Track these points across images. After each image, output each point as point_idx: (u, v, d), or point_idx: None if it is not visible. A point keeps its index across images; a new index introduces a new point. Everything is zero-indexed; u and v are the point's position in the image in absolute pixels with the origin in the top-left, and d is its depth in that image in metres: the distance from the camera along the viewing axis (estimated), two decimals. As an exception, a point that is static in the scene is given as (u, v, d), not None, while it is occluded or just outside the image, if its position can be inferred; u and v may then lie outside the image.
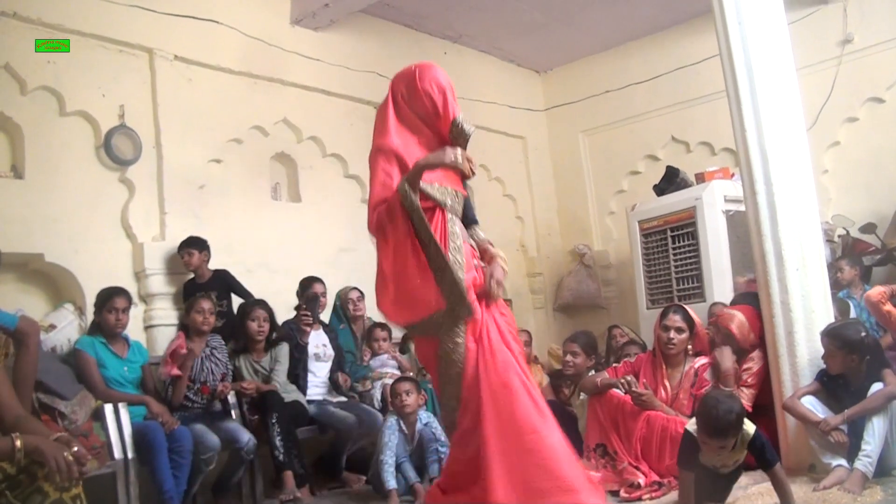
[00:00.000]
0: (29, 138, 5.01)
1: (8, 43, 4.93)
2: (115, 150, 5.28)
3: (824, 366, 4.17)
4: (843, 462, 3.87)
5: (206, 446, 4.45)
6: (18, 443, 2.43)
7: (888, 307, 4.69)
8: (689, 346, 4.57)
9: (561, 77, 9.15)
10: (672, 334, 4.52)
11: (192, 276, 5.44)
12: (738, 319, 4.64)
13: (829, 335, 4.10)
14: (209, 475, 4.68)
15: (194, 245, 5.34)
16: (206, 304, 4.91)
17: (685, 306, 4.71)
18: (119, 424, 4.29)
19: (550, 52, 8.68)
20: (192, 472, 4.39)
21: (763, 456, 3.41)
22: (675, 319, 4.55)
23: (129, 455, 4.23)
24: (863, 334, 4.04)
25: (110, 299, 4.62)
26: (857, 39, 6.99)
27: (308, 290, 5.62)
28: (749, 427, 3.44)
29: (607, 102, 8.63)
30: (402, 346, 6.35)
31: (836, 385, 4.08)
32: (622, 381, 4.36)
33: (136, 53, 5.51)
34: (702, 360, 4.54)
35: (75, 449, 2.52)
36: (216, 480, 4.79)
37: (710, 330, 4.92)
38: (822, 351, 4.19)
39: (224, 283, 5.46)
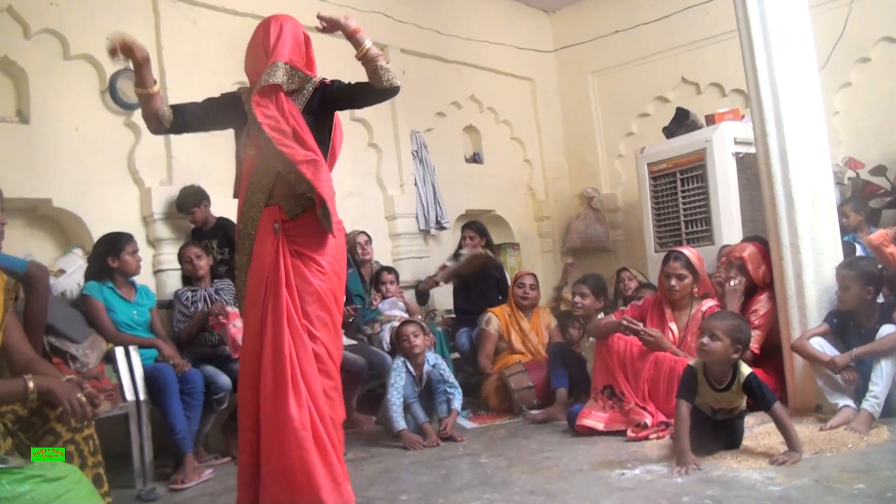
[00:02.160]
0: (34, 82, 4.98)
1: (10, -16, 4.87)
2: (121, 93, 5.24)
3: (833, 308, 4.19)
4: (850, 402, 3.90)
5: (217, 387, 4.50)
6: (31, 384, 2.46)
7: (891, 249, 4.67)
8: (695, 290, 4.58)
9: (570, 17, 9.01)
10: (673, 282, 4.53)
11: None
12: (751, 250, 4.69)
13: (847, 266, 4.14)
14: (220, 415, 4.74)
15: (192, 203, 5.28)
16: (191, 251, 4.96)
17: (686, 252, 4.68)
18: (130, 367, 4.33)
19: (559, -9, 8.54)
20: (203, 412, 4.45)
21: (762, 396, 3.50)
22: (676, 266, 4.55)
23: (142, 397, 4.28)
24: (879, 266, 4.10)
25: (128, 243, 4.64)
26: (870, -24, 6.86)
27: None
28: (745, 369, 3.52)
29: (617, 43, 8.52)
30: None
31: (846, 327, 4.11)
32: (623, 322, 4.36)
33: (139, -4, 5.46)
34: (709, 303, 4.54)
35: (88, 390, 2.55)
36: (227, 420, 4.85)
37: (720, 269, 4.92)
38: (831, 292, 4.21)
39: (225, 232, 5.39)
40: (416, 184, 7.22)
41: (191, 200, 5.28)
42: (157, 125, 3.33)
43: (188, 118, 3.40)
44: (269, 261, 3.21)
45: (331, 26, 3.33)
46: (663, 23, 8.10)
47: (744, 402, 3.63)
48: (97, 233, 4.92)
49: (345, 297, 5.45)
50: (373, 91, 3.32)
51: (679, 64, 8.18)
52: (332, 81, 3.42)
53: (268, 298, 3.17)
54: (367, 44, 3.26)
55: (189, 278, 5.05)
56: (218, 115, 3.47)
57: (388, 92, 3.32)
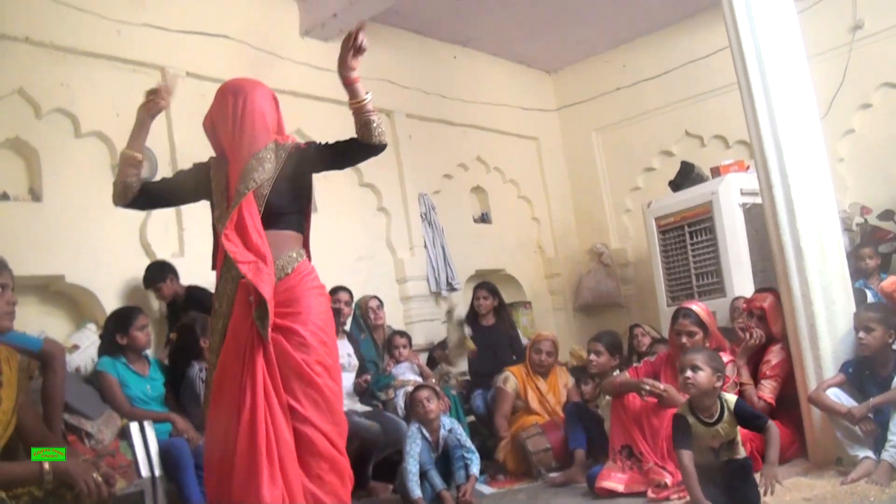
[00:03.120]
0: (45, 161, 5.05)
1: (21, 67, 4.97)
2: (132, 168, 5.31)
3: (849, 357, 4.16)
4: (870, 454, 3.85)
5: (232, 460, 4.45)
6: (46, 465, 2.45)
7: (904, 295, 4.66)
8: (707, 345, 4.54)
9: (571, 76, 9.14)
10: (684, 339, 4.48)
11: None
12: (771, 300, 4.67)
13: (870, 309, 4.16)
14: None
15: (158, 279, 5.16)
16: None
17: (695, 307, 4.63)
18: (145, 442, 4.30)
19: (560, 52, 8.68)
20: (219, 486, 4.40)
21: (753, 421, 3.56)
22: (685, 324, 4.50)
23: (157, 472, 4.24)
24: None
25: (136, 318, 4.60)
26: (867, 25, 6.94)
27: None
28: (730, 396, 3.60)
29: (619, 99, 8.62)
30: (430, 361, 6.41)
31: (862, 376, 4.07)
32: (643, 388, 4.32)
33: (148, 72, 5.53)
34: (723, 357, 4.50)
35: (104, 470, 2.54)
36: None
37: (742, 316, 4.89)
38: (845, 342, 4.18)
39: (200, 302, 4.98)
40: (425, 246, 7.26)
41: (157, 276, 5.17)
42: (122, 194, 3.27)
43: (153, 193, 3.36)
44: (245, 337, 2.99)
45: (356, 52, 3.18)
46: (664, 78, 8.21)
47: (738, 436, 3.59)
48: (110, 307, 4.95)
49: (358, 365, 5.46)
50: (359, 146, 3.19)
51: (682, 118, 8.26)
52: (308, 144, 3.32)
53: (245, 378, 2.94)
54: (368, 97, 3.15)
55: (190, 355, 4.77)
56: (187, 189, 3.38)
57: (376, 148, 3.18)
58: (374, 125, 3.13)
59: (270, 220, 3.14)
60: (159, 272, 5.20)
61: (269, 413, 2.90)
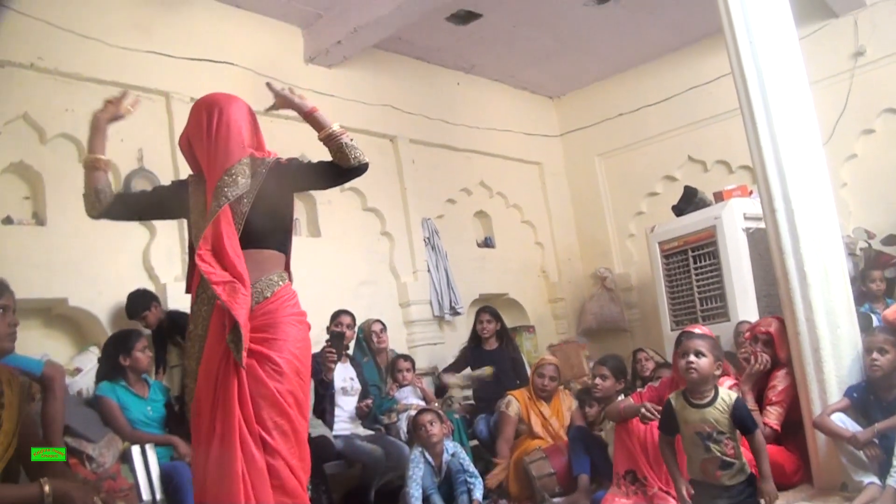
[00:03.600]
0: (49, 185, 5.08)
1: (26, 93, 5.02)
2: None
3: (854, 381, 4.13)
4: (875, 479, 3.82)
5: (234, 485, 4.42)
6: (47, 488, 2.44)
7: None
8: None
9: (574, 102, 9.18)
10: None
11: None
12: (777, 325, 4.63)
13: (884, 331, 4.13)
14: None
15: (142, 308, 5.08)
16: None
17: (697, 332, 4.60)
18: (146, 466, 4.28)
19: (563, 78, 8.73)
20: (220, 511, 4.37)
21: (744, 421, 3.53)
22: None
23: (157, 496, 4.22)
24: None
25: (138, 339, 4.61)
26: (869, 51, 6.99)
27: (331, 326, 5.60)
28: (731, 392, 3.63)
29: (622, 125, 8.65)
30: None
31: (866, 401, 4.05)
32: (643, 411, 4.28)
33: (152, 98, 5.57)
34: (727, 382, 4.48)
35: (104, 493, 2.53)
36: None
37: (746, 345, 4.87)
38: (850, 366, 4.15)
39: (182, 325, 4.79)
40: (428, 270, 7.26)
41: (141, 305, 5.10)
42: (96, 202, 3.16)
43: (130, 204, 3.28)
44: (218, 362, 2.87)
45: (281, 103, 3.13)
46: (667, 104, 8.25)
47: (738, 439, 3.54)
48: (113, 330, 4.94)
49: (360, 389, 5.44)
50: (339, 171, 3.05)
51: (685, 143, 8.28)
52: (290, 160, 3.17)
53: (217, 405, 2.84)
54: (335, 127, 3.02)
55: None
56: (166, 205, 3.28)
57: (356, 171, 3.04)
58: (349, 148, 3.00)
59: (251, 238, 3.02)
60: (143, 301, 5.12)
61: (243, 446, 2.79)
